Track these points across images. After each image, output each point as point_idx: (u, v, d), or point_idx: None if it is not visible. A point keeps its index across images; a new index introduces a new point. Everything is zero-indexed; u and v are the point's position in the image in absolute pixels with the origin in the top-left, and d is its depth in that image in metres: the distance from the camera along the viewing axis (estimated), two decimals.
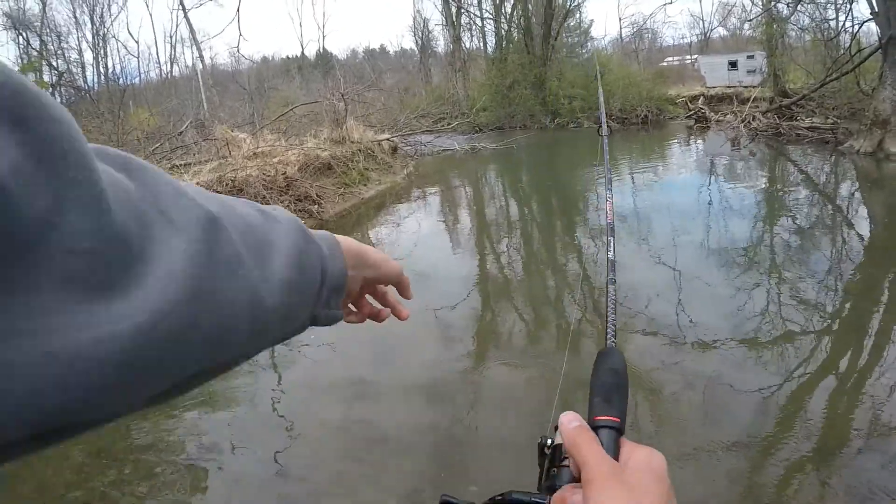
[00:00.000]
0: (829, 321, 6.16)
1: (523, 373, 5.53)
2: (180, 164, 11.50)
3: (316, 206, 11.51)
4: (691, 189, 13.53)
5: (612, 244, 1.04)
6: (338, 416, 4.91)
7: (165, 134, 13.86)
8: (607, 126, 1.56)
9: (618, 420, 0.69)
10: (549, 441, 0.73)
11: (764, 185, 13.93)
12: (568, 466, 0.68)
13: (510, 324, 6.79)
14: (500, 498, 0.72)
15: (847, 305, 6.64)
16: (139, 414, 5.08)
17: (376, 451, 4.36)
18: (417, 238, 10.70)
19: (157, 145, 12.51)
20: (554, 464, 0.71)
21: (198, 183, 9.72)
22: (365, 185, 14.51)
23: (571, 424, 0.68)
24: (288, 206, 10.79)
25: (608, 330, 0.85)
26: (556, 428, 0.72)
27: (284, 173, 11.60)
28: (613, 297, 0.90)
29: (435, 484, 3.97)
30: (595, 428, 0.68)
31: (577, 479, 0.65)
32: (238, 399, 5.38)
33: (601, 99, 2.06)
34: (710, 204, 11.96)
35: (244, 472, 4.26)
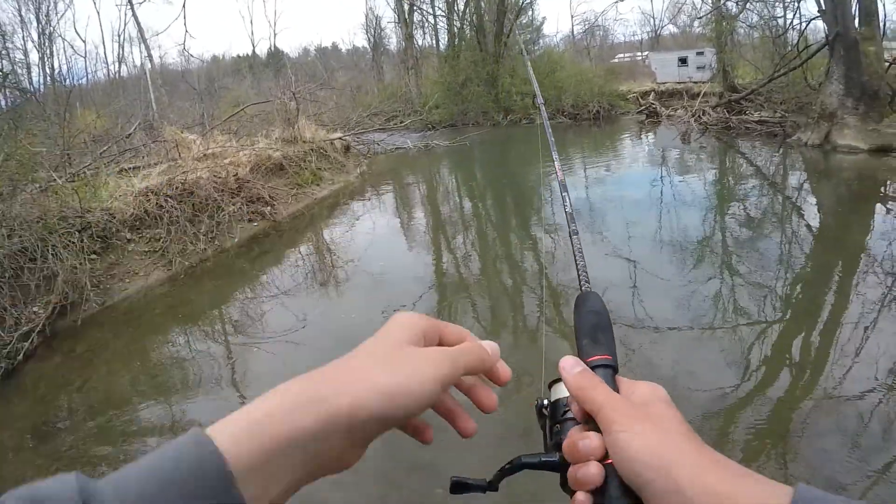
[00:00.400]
0: (782, 307, 6.42)
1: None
2: (129, 168, 11.31)
3: (269, 208, 11.46)
4: (643, 182, 13.80)
5: (566, 199, 1.07)
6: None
7: (113, 136, 13.59)
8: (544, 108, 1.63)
9: (610, 357, 0.69)
10: (545, 401, 0.73)
11: (715, 177, 14.35)
12: (572, 418, 0.68)
13: (471, 316, 6.92)
14: (508, 466, 0.69)
15: (799, 291, 6.93)
16: (95, 425, 5.09)
17: None
18: (372, 237, 10.77)
19: (104, 148, 12.26)
20: (556, 420, 0.70)
21: (147, 186, 9.63)
22: (318, 184, 14.48)
23: (574, 369, 0.67)
24: (240, 207, 10.75)
25: (580, 276, 0.85)
26: (550, 385, 0.73)
27: (236, 175, 11.53)
28: (579, 246, 0.91)
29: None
30: (595, 367, 0.67)
31: (584, 423, 0.65)
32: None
33: (531, 74, 2.15)
34: (661, 196, 12.24)
35: None
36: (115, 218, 8.81)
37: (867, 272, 7.17)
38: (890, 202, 10.82)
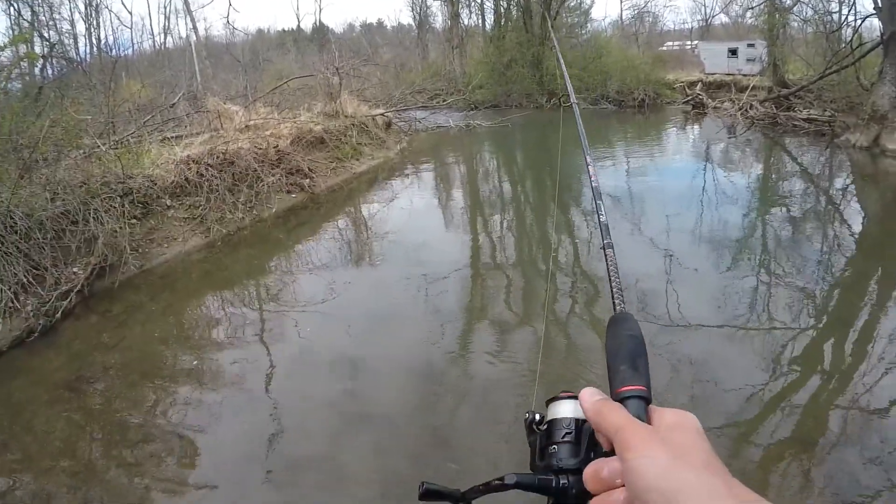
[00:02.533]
0: (816, 313, 6.21)
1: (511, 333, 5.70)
2: (172, 137, 11.46)
3: (307, 181, 11.52)
4: (685, 174, 13.55)
5: (601, 207, 1.01)
6: (330, 391, 5.02)
7: (157, 106, 13.80)
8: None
9: (645, 389, 0.65)
10: (537, 416, 0.71)
11: (759, 174, 14.00)
12: (569, 441, 0.67)
13: (501, 300, 6.88)
14: (498, 482, 0.67)
15: (835, 297, 6.67)
16: (127, 382, 5.19)
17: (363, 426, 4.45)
18: (409, 214, 10.77)
19: (148, 117, 12.45)
20: (552, 440, 0.68)
21: (188, 155, 9.74)
22: (357, 159, 14.50)
23: (594, 398, 0.65)
24: (279, 179, 10.81)
25: (614, 294, 0.81)
26: (548, 403, 0.72)
27: (276, 146, 11.60)
28: (613, 261, 0.87)
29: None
30: (623, 399, 0.64)
31: (610, 453, 0.62)
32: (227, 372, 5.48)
33: (562, 66, 2.07)
34: (703, 190, 11.94)
35: (231, 443, 4.35)
36: (156, 185, 8.94)
37: None
38: None
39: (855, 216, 10.27)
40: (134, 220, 8.35)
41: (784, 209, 10.49)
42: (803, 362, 5.10)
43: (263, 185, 10.26)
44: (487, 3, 37.45)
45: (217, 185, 9.55)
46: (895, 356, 5.09)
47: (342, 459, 4.01)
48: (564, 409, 0.69)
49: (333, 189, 12.36)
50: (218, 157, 10.01)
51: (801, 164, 15.03)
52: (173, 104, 13.92)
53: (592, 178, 1.10)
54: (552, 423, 0.69)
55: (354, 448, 4.14)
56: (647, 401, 0.64)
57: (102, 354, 5.78)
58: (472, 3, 38.89)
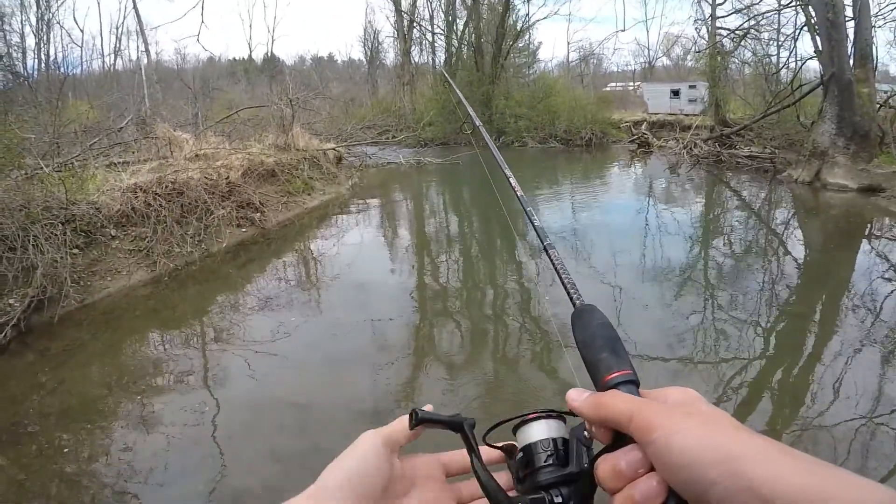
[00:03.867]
0: (763, 342, 6.40)
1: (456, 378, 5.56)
2: (119, 162, 11.00)
3: (258, 215, 11.23)
4: (630, 211, 14.10)
5: (532, 214, 0.97)
6: (276, 438, 4.75)
7: (104, 129, 13.30)
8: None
9: (633, 373, 0.62)
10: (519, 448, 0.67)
11: (702, 210, 14.65)
12: (552, 465, 0.63)
13: (447, 334, 6.92)
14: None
15: (781, 326, 6.92)
16: (66, 429, 4.83)
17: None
18: (359, 251, 10.64)
19: (95, 140, 11.98)
20: (533, 467, 0.64)
21: (136, 183, 9.36)
22: (309, 194, 14.27)
23: (583, 395, 0.61)
24: (230, 212, 10.50)
25: (569, 290, 0.76)
26: (515, 430, 0.68)
27: (227, 178, 11.28)
28: (559, 259, 0.82)
29: None
30: (614, 386, 0.60)
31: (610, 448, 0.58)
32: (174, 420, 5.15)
33: (459, 94, 2.07)
34: (647, 226, 12.41)
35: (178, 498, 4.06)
36: (100, 212, 8.55)
37: (850, 309, 7.28)
38: (875, 241, 11.03)
39: (798, 246, 10.89)
40: (76, 250, 7.95)
41: (727, 242, 11.03)
42: (751, 391, 5.23)
43: (213, 218, 9.92)
44: (439, 42, 37.93)
45: (165, 215, 9.17)
46: (841, 382, 5.22)
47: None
48: (538, 432, 0.66)
49: (285, 224, 12.09)
50: (167, 187, 9.63)
51: (744, 199, 15.92)
52: (121, 128, 13.45)
53: (516, 189, 1.07)
54: (527, 449, 0.66)
55: (299, 486, 3.90)
56: (637, 385, 0.61)
57: (40, 397, 5.39)
58: (425, 41, 39.34)
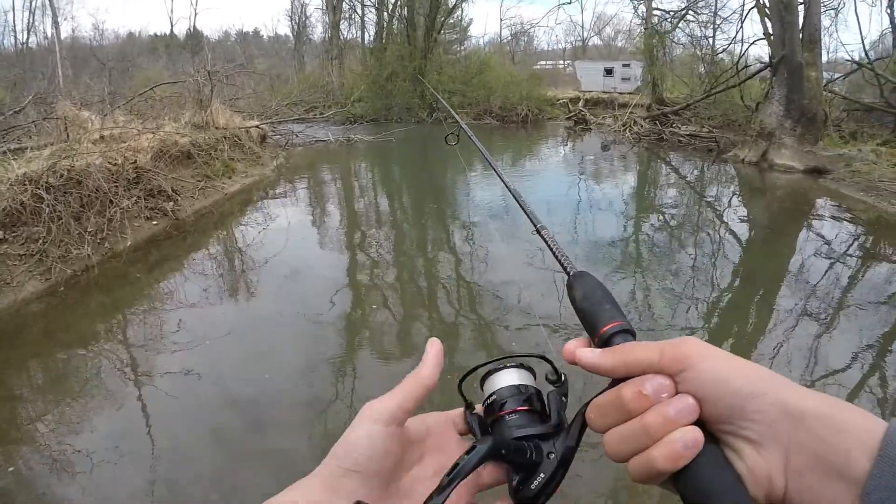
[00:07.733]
0: (704, 318, 6.65)
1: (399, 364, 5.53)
2: (12, 150, 9.51)
3: (171, 203, 10.02)
4: (566, 188, 14.33)
5: (525, 204, 0.98)
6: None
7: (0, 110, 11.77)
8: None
9: (629, 325, 0.61)
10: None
11: (642, 187, 15.10)
12: (520, 410, 0.63)
13: (385, 317, 6.76)
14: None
15: (725, 301, 7.27)
16: None
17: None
18: (287, 239, 9.69)
19: None
20: (504, 410, 0.64)
21: (25, 173, 8.10)
22: (230, 177, 13.12)
23: (594, 351, 0.59)
24: (137, 202, 9.32)
25: (562, 261, 0.75)
26: (483, 379, 0.68)
27: (135, 162, 10.00)
28: (552, 238, 0.83)
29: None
30: (614, 335, 0.60)
31: None
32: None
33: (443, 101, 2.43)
34: (585, 203, 12.68)
35: None
36: None
37: (788, 286, 7.68)
38: (816, 221, 11.47)
39: (742, 224, 11.31)
40: None
41: (672, 220, 11.44)
42: None
43: (117, 211, 8.67)
44: (370, 16, 36.82)
45: (60, 210, 7.91)
46: (779, 351, 5.62)
47: None
48: (508, 378, 0.66)
49: (202, 213, 10.89)
50: (61, 176, 8.35)
51: (685, 178, 16.40)
52: (22, 108, 11.96)
53: (509, 185, 1.08)
54: (496, 395, 0.65)
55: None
56: (633, 335, 0.60)
57: None
58: (354, 15, 38.13)
